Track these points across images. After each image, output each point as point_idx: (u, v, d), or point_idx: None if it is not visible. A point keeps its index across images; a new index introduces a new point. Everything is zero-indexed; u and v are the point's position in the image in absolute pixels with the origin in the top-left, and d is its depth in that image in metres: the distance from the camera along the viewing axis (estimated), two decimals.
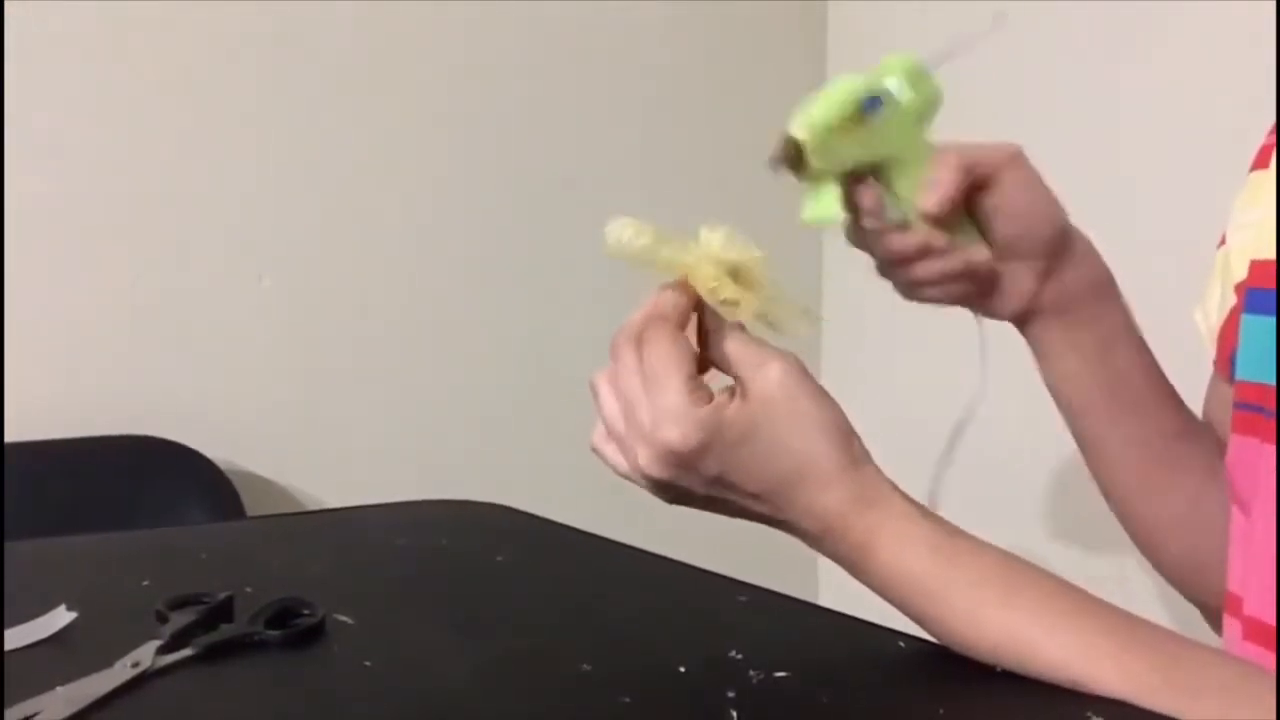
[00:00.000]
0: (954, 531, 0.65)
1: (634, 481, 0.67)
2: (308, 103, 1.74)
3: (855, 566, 0.66)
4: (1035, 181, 0.77)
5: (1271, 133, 0.76)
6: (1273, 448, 0.69)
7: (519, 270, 1.89)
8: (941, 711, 0.62)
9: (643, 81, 1.97)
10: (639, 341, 0.65)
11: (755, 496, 0.65)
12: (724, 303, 0.66)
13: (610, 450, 0.67)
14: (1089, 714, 0.61)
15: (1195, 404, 0.87)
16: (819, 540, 0.66)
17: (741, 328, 0.67)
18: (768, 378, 0.64)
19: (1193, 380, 0.87)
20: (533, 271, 1.90)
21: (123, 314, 1.64)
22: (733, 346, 0.66)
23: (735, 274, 0.66)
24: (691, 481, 0.64)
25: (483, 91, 1.85)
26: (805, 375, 0.65)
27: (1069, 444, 0.87)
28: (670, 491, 0.66)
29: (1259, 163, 0.76)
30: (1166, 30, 1.60)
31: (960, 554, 0.64)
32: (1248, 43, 1.43)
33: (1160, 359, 0.84)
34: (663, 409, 0.63)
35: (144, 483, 1.58)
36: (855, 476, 0.65)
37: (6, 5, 1.53)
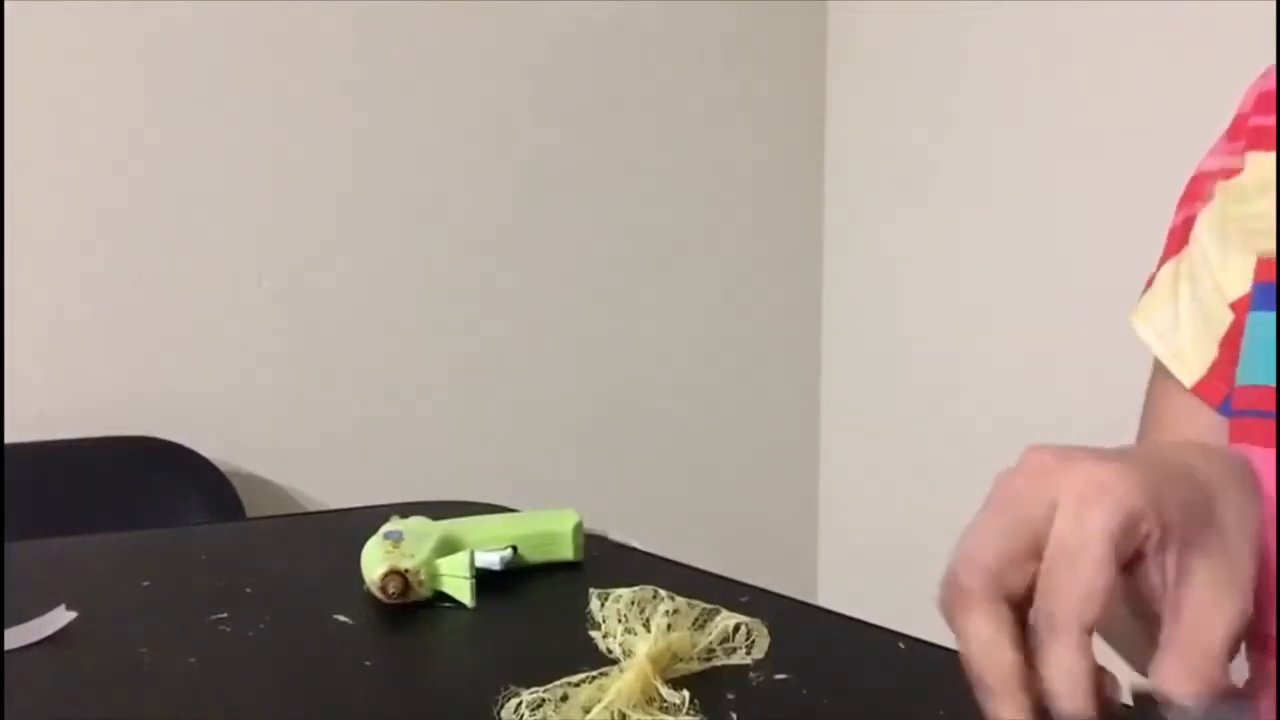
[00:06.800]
0: None
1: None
2: (307, 103, 1.73)
3: None
4: None
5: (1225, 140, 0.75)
6: (1272, 453, 0.67)
7: (519, 271, 1.89)
8: (942, 713, 0.61)
9: (643, 82, 1.97)
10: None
11: None
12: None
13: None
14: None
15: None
16: None
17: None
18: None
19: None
20: (533, 273, 1.90)
21: (122, 315, 1.64)
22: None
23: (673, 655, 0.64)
24: None
25: (483, 92, 1.85)
26: None
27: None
28: None
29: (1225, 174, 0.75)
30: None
31: None
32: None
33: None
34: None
35: (144, 483, 1.58)
36: None
37: (7, 5, 1.53)
